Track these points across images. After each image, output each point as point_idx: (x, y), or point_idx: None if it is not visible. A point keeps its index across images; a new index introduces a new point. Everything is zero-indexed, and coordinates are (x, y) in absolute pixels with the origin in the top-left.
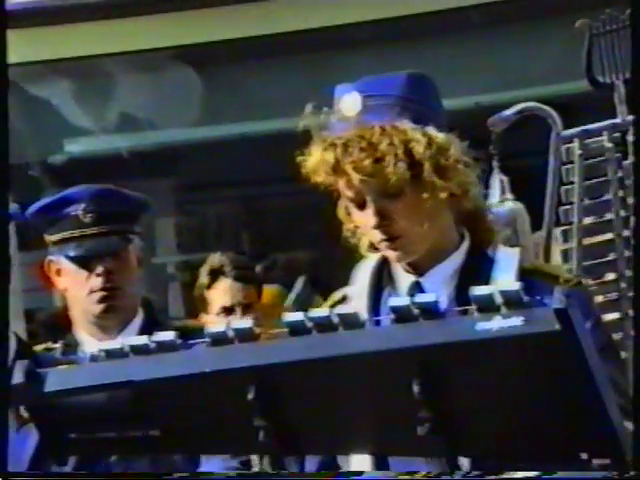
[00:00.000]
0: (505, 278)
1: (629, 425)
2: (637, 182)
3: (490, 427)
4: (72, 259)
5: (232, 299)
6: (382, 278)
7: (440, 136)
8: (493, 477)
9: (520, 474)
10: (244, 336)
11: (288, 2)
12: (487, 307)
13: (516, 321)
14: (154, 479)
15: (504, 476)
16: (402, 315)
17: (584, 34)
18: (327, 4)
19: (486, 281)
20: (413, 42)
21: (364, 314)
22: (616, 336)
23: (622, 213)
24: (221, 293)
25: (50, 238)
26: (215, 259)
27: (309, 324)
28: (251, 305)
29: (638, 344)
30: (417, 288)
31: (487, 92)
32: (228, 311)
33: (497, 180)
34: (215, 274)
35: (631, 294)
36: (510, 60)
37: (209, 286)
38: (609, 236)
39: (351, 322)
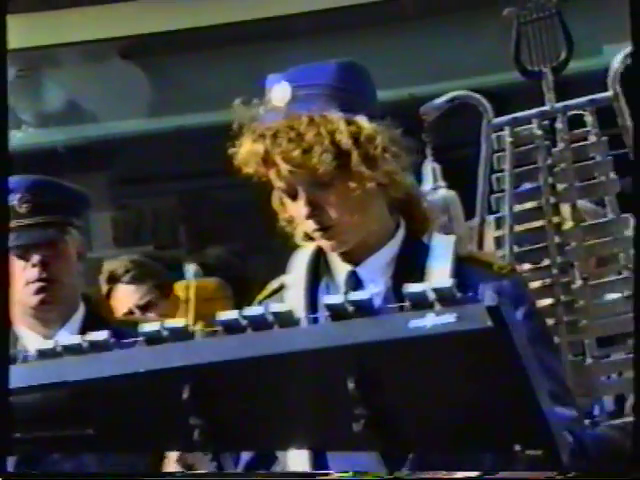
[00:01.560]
0: (440, 266)
1: (564, 411)
2: (636, 179)
3: (425, 423)
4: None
5: (128, 303)
6: (319, 267)
7: (368, 125)
8: (431, 475)
9: (460, 474)
10: (178, 335)
11: None
12: (420, 304)
13: (449, 318)
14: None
15: (444, 475)
16: (337, 312)
17: (512, 23)
18: None
19: (422, 269)
20: (348, 33)
21: (302, 308)
22: (550, 321)
23: (552, 200)
24: (119, 299)
25: None
26: (109, 266)
27: (243, 322)
28: (150, 304)
29: (638, 341)
30: (354, 277)
31: (421, 83)
32: (130, 315)
33: (430, 168)
34: (111, 281)
35: (564, 280)
36: (444, 51)
37: (108, 294)
38: (540, 223)
39: (286, 320)
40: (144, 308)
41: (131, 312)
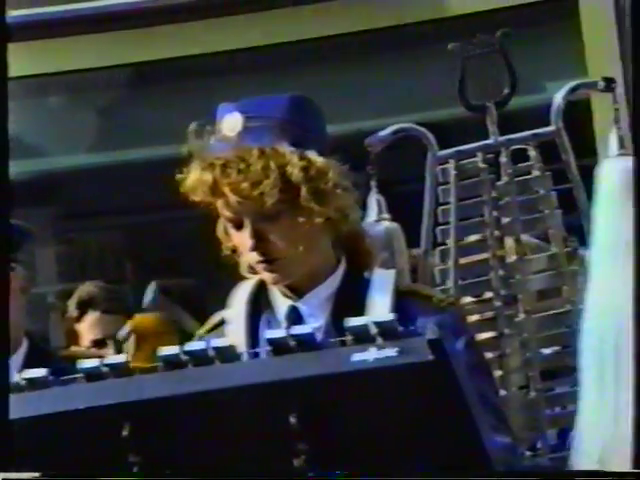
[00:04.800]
0: (380, 300)
1: (501, 440)
2: (637, 188)
3: (368, 457)
4: None
5: (102, 332)
6: (260, 301)
7: (319, 160)
8: None
9: None
10: (118, 371)
11: (170, 29)
12: (362, 338)
13: (391, 352)
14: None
15: None
16: (279, 347)
17: (457, 59)
18: (209, 31)
19: (362, 304)
20: (297, 68)
21: (243, 343)
22: (493, 354)
23: (496, 233)
24: (91, 326)
25: None
26: (83, 291)
27: (184, 358)
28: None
29: (637, 344)
30: (294, 312)
31: (367, 118)
32: (99, 344)
33: (374, 200)
34: (84, 306)
35: (508, 312)
36: (389, 86)
37: (78, 319)
38: (484, 256)
39: (227, 355)
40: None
41: (103, 341)
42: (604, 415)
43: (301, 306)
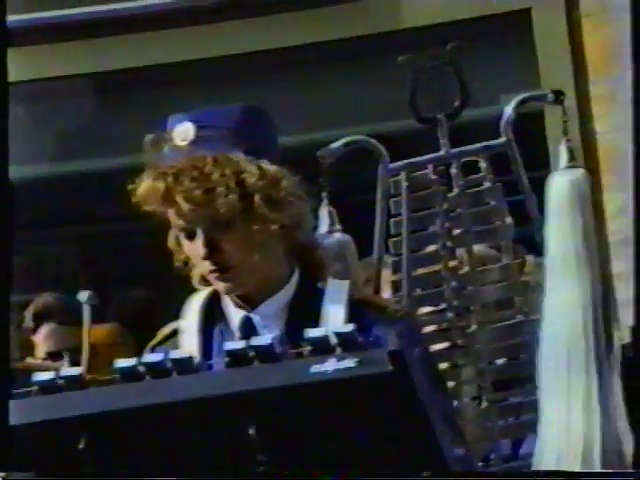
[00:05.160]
0: (335, 310)
1: (455, 450)
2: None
3: (327, 468)
4: None
5: (58, 344)
6: (213, 312)
7: (272, 168)
8: None
9: None
10: (74, 384)
11: (126, 39)
12: (321, 348)
13: (350, 363)
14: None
15: None
16: (237, 358)
17: (408, 70)
18: (162, 42)
19: (316, 314)
20: (250, 79)
21: (197, 354)
22: (446, 365)
23: (448, 244)
24: (46, 337)
25: None
26: (39, 302)
27: (142, 369)
28: (80, 348)
29: (637, 348)
30: (248, 323)
31: (319, 129)
32: (54, 356)
33: (326, 212)
34: (40, 318)
35: (460, 324)
36: (341, 97)
37: (34, 330)
38: (437, 267)
39: (185, 366)
40: (75, 351)
41: (58, 353)
42: (561, 420)
43: (254, 317)
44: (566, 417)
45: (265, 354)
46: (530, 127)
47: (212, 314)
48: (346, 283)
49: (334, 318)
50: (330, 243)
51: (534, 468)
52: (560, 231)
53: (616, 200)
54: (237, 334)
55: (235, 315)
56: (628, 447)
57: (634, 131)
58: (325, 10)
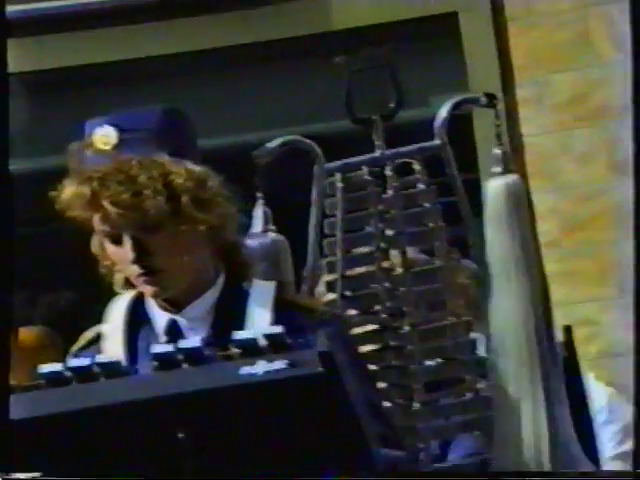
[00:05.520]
0: (260, 312)
1: (391, 452)
2: (637, 184)
3: (258, 470)
4: None
5: None
6: (137, 316)
7: (198, 169)
8: None
9: None
10: None
11: (49, 40)
12: (251, 351)
13: (280, 364)
14: None
15: None
16: (165, 362)
17: (344, 71)
18: (88, 42)
19: (242, 316)
20: (183, 80)
21: (122, 357)
22: (378, 366)
23: (382, 245)
24: None
25: None
26: None
27: (68, 374)
28: None
29: (638, 347)
30: (174, 326)
31: (253, 130)
32: None
33: (260, 212)
34: None
35: (393, 325)
36: (276, 98)
37: None
38: (370, 268)
39: (112, 371)
40: None
41: None
42: (512, 422)
43: (180, 319)
44: (515, 419)
45: (194, 357)
46: (459, 130)
47: (136, 318)
48: (272, 284)
49: (259, 320)
50: (264, 243)
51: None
52: (499, 235)
53: (544, 202)
54: (163, 337)
55: (160, 318)
56: (575, 446)
57: (634, 130)
58: (259, 11)
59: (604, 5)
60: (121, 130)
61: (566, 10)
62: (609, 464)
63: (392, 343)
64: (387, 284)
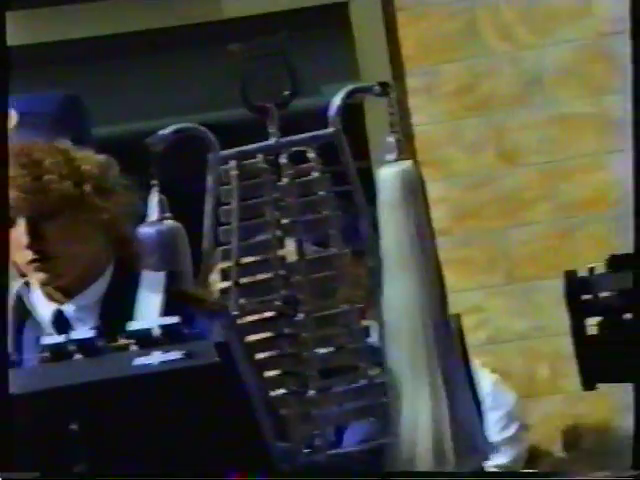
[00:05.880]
0: (150, 302)
1: (282, 442)
2: (636, 179)
3: (154, 460)
4: None
5: None
6: (23, 306)
7: (100, 157)
8: None
9: None
10: None
11: None
12: (145, 341)
13: (176, 355)
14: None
15: None
16: (57, 353)
17: (238, 59)
18: None
19: (131, 307)
20: (79, 67)
21: (10, 349)
22: (272, 353)
23: (277, 233)
24: None
25: None
26: None
27: None
28: None
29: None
30: (60, 316)
31: (148, 118)
32: None
33: (156, 200)
34: None
35: (288, 312)
36: (170, 86)
37: None
38: (266, 256)
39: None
40: None
41: None
42: (409, 412)
43: (68, 309)
44: (414, 406)
45: (86, 348)
46: (351, 118)
47: (22, 308)
48: (162, 274)
49: (148, 310)
50: (161, 231)
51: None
52: (394, 222)
53: (434, 191)
54: (49, 328)
55: (47, 308)
56: (478, 429)
57: (634, 126)
58: None
59: None
60: (21, 113)
61: (454, 1)
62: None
63: (286, 331)
64: (282, 272)
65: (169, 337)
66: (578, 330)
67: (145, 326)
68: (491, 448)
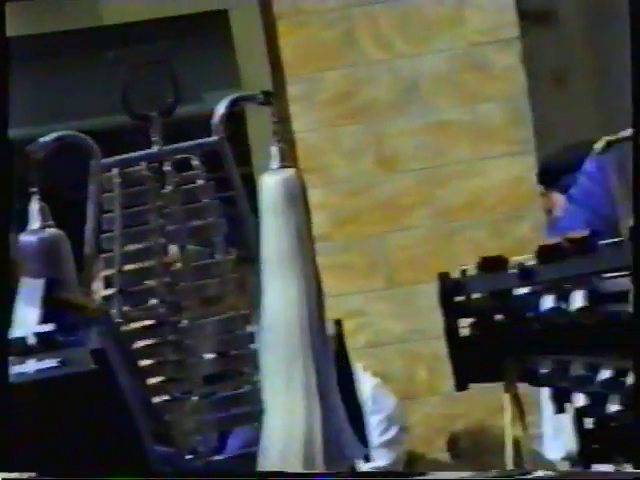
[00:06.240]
0: (28, 311)
1: (164, 449)
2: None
3: (32, 468)
4: None
5: None
6: None
7: None
8: None
9: None
10: None
11: None
12: (20, 350)
13: (52, 362)
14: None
15: None
16: None
17: (120, 66)
18: None
19: (8, 316)
20: None
21: None
22: (156, 360)
23: (161, 240)
24: None
25: None
26: None
27: None
28: None
29: (638, 345)
30: None
31: (28, 124)
32: None
33: (37, 207)
34: None
35: (172, 319)
36: (51, 92)
37: None
38: (149, 263)
39: None
40: None
41: None
42: (283, 415)
43: None
44: (287, 412)
45: None
46: (233, 126)
47: None
48: (40, 282)
49: (27, 319)
50: (42, 239)
51: (259, 465)
52: (275, 230)
53: (314, 197)
54: None
55: None
56: (348, 435)
57: (634, 128)
58: (32, 3)
59: (368, 5)
60: None
61: (332, 9)
62: (376, 452)
63: (171, 337)
64: (166, 279)
65: (44, 345)
66: (451, 331)
67: (19, 334)
68: (363, 453)
